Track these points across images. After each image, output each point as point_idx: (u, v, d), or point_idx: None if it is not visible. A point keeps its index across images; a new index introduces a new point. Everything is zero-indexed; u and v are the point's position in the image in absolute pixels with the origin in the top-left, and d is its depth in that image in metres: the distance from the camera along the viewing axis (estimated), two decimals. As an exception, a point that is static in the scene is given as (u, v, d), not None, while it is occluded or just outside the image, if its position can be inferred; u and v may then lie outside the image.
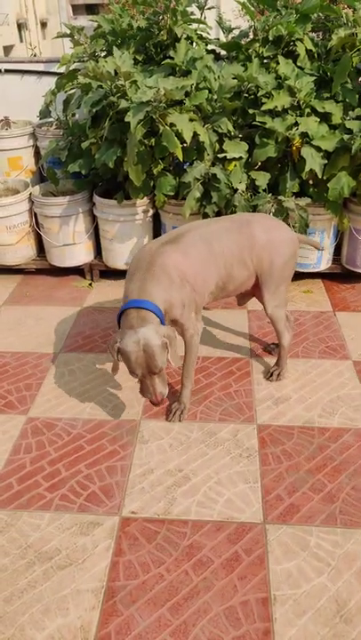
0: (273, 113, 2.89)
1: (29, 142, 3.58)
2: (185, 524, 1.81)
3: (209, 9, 3.29)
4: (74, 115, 3.39)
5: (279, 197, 2.91)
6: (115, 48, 2.91)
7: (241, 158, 2.89)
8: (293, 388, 2.43)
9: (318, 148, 2.82)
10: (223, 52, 3.32)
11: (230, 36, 3.28)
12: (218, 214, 3.11)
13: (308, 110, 2.88)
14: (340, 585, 1.61)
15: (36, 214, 3.39)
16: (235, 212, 2.91)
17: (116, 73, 2.79)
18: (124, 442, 2.16)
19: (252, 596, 1.59)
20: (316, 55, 3.10)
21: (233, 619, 1.53)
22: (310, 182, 3.02)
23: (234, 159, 2.88)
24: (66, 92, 3.27)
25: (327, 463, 2.03)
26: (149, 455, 2.10)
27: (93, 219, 3.39)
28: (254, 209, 2.92)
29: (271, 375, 2.48)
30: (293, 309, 3.06)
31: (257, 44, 3.03)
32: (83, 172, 3.11)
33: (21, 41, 13.20)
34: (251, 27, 3.11)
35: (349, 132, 2.81)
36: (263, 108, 2.82)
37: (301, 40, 2.98)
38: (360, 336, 2.81)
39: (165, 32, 3.08)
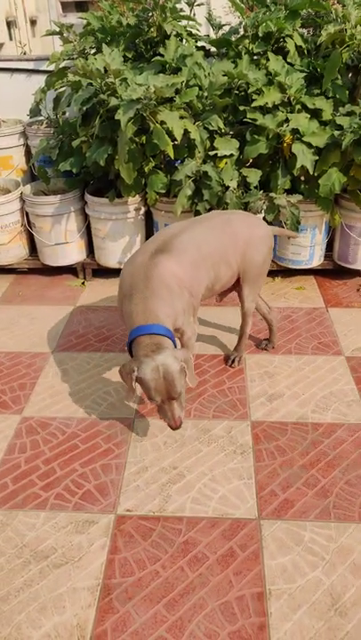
0: (264, 109, 2.89)
1: (20, 141, 3.57)
2: (180, 521, 1.82)
3: (198, 5, 3.28)
4: (64, 113, 3.38)
5: (271, 194, 2.92)
6: (104, 45, 2.90)
7: (232, 155, 2.90)
8: (287, 385, 2.44)
9: (309, 145, 2.83)
10: (213, 49, 3.32)
11: (220, 33, 3.28)
12: (209, 212, 3.11)
13: (298, 107, 2.89)
14: (334, 579, 1.63)
15: (27, 213, 3.38)
16: (226, 210, 2.92)
17: (105, 70, 2.78)
18: (119, 440, 2.17)
19: (248, 591, 1.60)
20: (305, 51, 3.10)
21: (229, 614, 1.54)
22: (302, 179, 3.03)
23: (225, 156, 2.89)
24: (56, 90, 3.25)
25: (321, 458, 2.04)
26: (144, 453, 2.10)
27: (85, 217, 3.38)
28: (246, 206, 2.93)
29: (233, 362, 2.56)
30: (286, 306, 3.07)
31: (247, 41, 3.03)
32: (74, 170, 3.11)
33: (11, 39, 13.12)
34: (240, 23, 3.11)
35: (340, 128, 2.82)
36: (254, 104, 2.82)
37: (291, 36, 2.99)
38: (353, 332, 2.82)
39: (155, 29, 3.08)
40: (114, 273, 3.49)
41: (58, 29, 3.26)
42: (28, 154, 3.66)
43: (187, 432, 2.19)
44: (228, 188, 2.90)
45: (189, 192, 2.87)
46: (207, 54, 3.31)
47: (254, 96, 2.88)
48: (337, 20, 2.87)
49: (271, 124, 2.81)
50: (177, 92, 2.87)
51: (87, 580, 1.65)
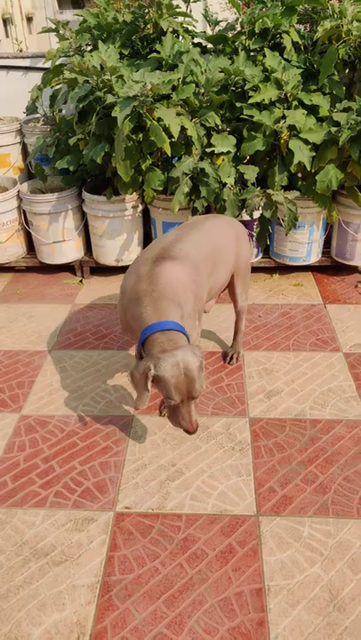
0: (260, 106, 2.89)
1: (16, 139, 3.56)
2: (179, 518, 1.82)
3: (195, 2, 3.27)
4: (60, 110, 3.37)
5: (268, 191, 2.92)
6: (100, 42, 2.89)
7: (229, 152, 2.89)
8: (285, 381, 2.45)
9: (306, 141, 2.83)
10: (210, 46, 3.31)
11: (217, 29, 3.27)
12: (207, 209, 3.11)
13: (295, 103, 2.88)
14: (333, 574, 1.63)
15: (24, 212, 3.38)
16: (224, 207, 2.92)
17: (102, 67, 2.77)
18: (118, 438, 2.17)
19: (247, 587, 1.61)
20: (302, 47, 3.10)
21: (228, 610, 1.55)
22: (299, 175, 3.03)
23: (222, 153, 2.88)
24: (52, 87, 3.25)
25: (319, 455, 2.05)
26: (143, 450, 2.11)
27: (83, 215, 3.38)
28: (243, 203, 2.93)
29: (231, 359, 2.56)
30: (284, 303, 3.08)
31: (243, 37, 3.03)
32: (71, 168, 3.10)
33: (7, 36, 13.06)
34: (237, 19, 3.10)
35: (337, 124, 2.81)
36: (250, 101, 2.82)
37: (288, 32, 2.98)
38: (351, 328, 2.83)
39: (151, 26, 3.07)
40: (112, 271, 3.49)
41: (54, 26, 3.25)
42: (24, 152, 3.66)
43: (185, 429, 2.19)
44: (225, 184, 2.90)
45: (187, 189, 2.86)
46: (204, 51, 3.31)
47: (251, 92, 2.88)
48: (333, 16, 2.87)
49: (268, 121, 2.81)
50: (174, 88, 2.86)
51: (87, 578, 1.65)
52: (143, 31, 3.11)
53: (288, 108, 2.88)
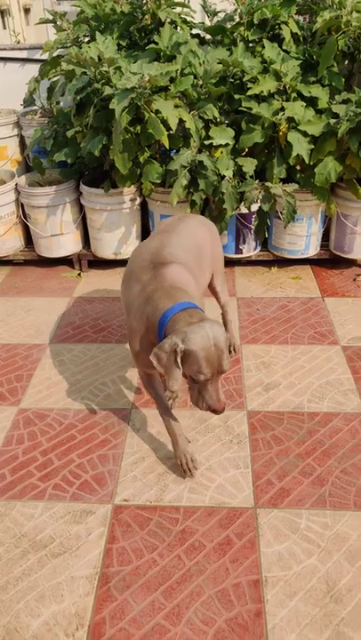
0: (259, 98, 2.87)
1: (14, 131, 3.54)
2: (177, 511, 1.83)
3: (193, -8, 3.25)
4: (58, 102, 3.35)
5: (266, 184, 2.91)
6: (98, 33, 2.87)
7: (227, 145, 2.88)
8: (283, 374, 2.45)
9: (305, 133, 2.81)
10: (208, 37, 3.29)
11: (215, 20, 3.24)
12: (205, 201, 3.10)
13: (294, 95, 2.87)
14: (329, 566, 1.64)
15: (22, 205, 3.36)
16: (222, 199, 2.91)
17: (99, 59, 2.75)
18: (116, 430, 2.18)
19: (244, 579, 1.62)
20: (301, 38, 3.08)
21: (225, 601, 1.56)
22: (297, 168, 3.02)
23: (220, 146, 2.87)
24: (50, 79, 3.22)
25: (317, 447, 2.06)
26: (141, 443, 2.11)
27: (81, 208, 3.37)
28: (241, 196, 2.92)
29: (228, 352, 2.54)
30: (282, 296, 3.07)
31: (242, 28, 3.00)
32: (69, 160, 3.09)
33: (4, 28, 12.94)
34: (235, 10, 3.08)
35: (336, 116, 2.80)
36: (249, 92, 2.80)
37: (287, 23, 2.96)
38: (349, 321, 2.83)
39: (149, 16, 3.05)
40: (110, 264, 3.48)
41: (51, 17, 3.22)
42: (22, 144, 3.64)
43: (183, 422, 2.20)
44: (223, 177, 2.89)
45: (185, 182, 2.85)
46: (202, 42, 3.28)
47: (250, 84, 2.86)
48: (333, 7, 2.85)
49: (267, 113, 2.79)
50: (172, 80, 2.84)
51: (85, 569, 1.66)
52: (141, 22, 3.08)
53: (287, 100, 2.86)
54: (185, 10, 3.17)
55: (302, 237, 3.19)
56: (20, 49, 3.66)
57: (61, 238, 3.35)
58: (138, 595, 1.59)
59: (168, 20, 3.04)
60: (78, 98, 2.87)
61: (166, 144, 2.71)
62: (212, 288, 2.39)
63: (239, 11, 3.01)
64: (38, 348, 2.71)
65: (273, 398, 2.31)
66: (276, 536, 1.74)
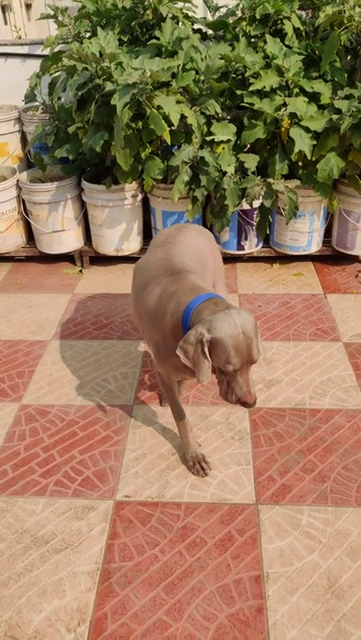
0: (261, 93, 2.86)
1: (15, 127, 3.53)
2: (178, 507, 1.83)
3: (195, -13, 3.23)
4: (59, 98, 3.34)
5: (268, 180, 2.90)
6: (99, 29, 2.85)
7: (229, 140, 2.87)
8: (285, 371, 2.45)
9: (307, 129, 2.80)
10: (210, 32, 3.27)
11: (217, 15, 3.23)
12: (207, 198, 3.10)
13: (296, 90, 2.85)
14: (331, 562, 1.65)
15: (24, 201, 3.36)
16: (224, 196, 2.90)
17: (101, 54, 2.74)
18: (118, 427, 2.18)
19: (245, 575, 1.62)
20: (303, 33, 3.06)
21: (227, 597, 1.56)
22: (300, 164, 3.01)
23: (222, 142, 2.86)
24: (51, 74, 3.21)
25: (318, 444, 2.06)
26: (142, 439, 2.11)
27: (82, 204, 3.36)
28: (243, 192, 2.91)
29: None
30: (284, 292, 3.07)
31: (244, 23, 2.99)
32: (70, 157, 3.08)
33: (5, 23, 12.92)
34: (238, 5, 3.06)
35: (338, 111, 2.79)
36: (251, 88, 2.79)
37: (289, 18, 2.94)
38: (351, 318, 2.82)
39: (150, 11, 3.03)
40: (111, 260, 3.48)
41: (52, 13, 3.21)
42: (23, 140, 3.63)
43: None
44: (225, 173, 2.88)
45: (187, 178, 2.84)
46: (204, 37, 3.27)
47: (252, 80, 2.85)
48: (335, 2, 2.83)
49: (269, 109, 2.78)
50: (173, 76, 2.83)
51: (87, 565, 1.66)
52: (142, 17, 3.06)
53: (289, 96, 2.85)
54: (187, 5, 3.15)
55: (304, 234, 3.18)
56: (22, 44, 3.65)
57: (63, 235, 3.35)
58: (139, 590, 1.59)
59: (170, 15, 3.02)
60: (80, 93, 2.87)
61: (168, 140, 2.70)
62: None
63: (241, 5, 3.00)
64: (40, 345, 2.71)
65: (275, 395, 2.31)
66: (278, 532, 1.74)
